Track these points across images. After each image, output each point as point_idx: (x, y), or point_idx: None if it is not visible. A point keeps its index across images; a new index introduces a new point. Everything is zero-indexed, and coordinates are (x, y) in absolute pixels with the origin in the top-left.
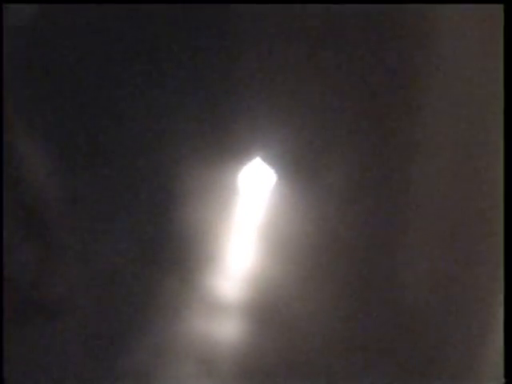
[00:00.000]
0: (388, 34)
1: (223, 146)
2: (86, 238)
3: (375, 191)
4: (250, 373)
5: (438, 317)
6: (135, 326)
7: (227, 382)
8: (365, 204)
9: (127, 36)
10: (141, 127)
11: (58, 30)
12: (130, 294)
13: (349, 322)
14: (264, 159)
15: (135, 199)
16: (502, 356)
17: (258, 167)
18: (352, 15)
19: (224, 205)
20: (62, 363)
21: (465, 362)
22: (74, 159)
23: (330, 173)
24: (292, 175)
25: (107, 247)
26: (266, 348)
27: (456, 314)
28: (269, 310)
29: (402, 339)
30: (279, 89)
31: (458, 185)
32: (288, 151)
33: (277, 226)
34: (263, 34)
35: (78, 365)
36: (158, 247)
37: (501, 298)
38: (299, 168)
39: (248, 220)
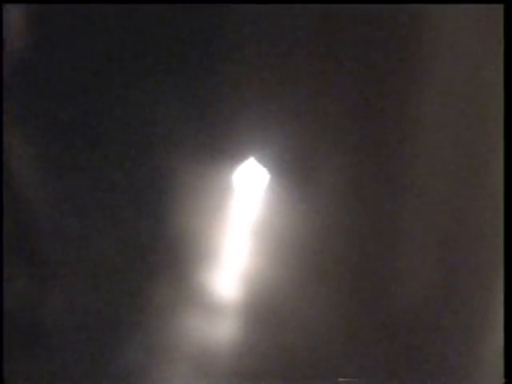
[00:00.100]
0: (387, 34)
1: (217, 145)
2: (77, 237)
3: (370, 191)
4: (246, 372)
5: (437, 317)
6: (129, 327)
7: (223, 382)
8: (359, 203)
9: (125, 36)
10: (135, 128)
11: (58, 29)
12: (124, 295)
13: (345, 320)
14: (258, 159)
15: (127, 199)
16: (502, 356)
17: (251, 167)
18: (349, 15)
19: (218, 204)
20: (59, 362)
21: (464, 363)
22: (65, 158)
23: (323, 172)
24: (286, 175)
25: (99, 247)
26: (262, 347)
27: (455, 314)
28: (263, 309)
29: (398, 339)
30: (273, 89)
31: (457, 186)
32: (282, 151)
33: (271, 226)
34: (258, 35)
35: (73, 365)
36: (151, 247)
37: (500, 298)
38: (293, 168)
39: (242, 219)
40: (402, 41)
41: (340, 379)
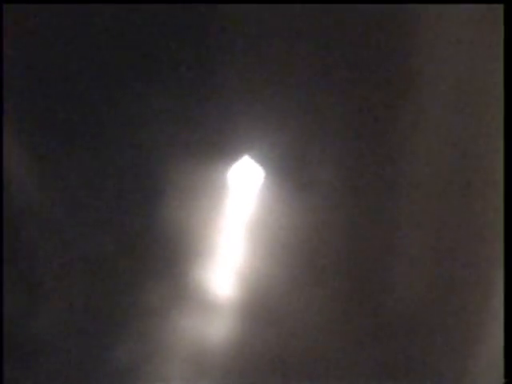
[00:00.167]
0: (386, 34)
1: (212, 144)
2: (69, 235)
3: (366, 189)
4: (240, 371)
5: (435, 318)
6: (123, 327)
7: (218, 381)
8: (355, 202)
9: (123, 36)
10: (129, 126)
11: (57, 29)
12: (117, 294)
13: (341, 320)
14: (253, 157)
15: (121, 198)
16: (502, 356)
17: (246, 165)
18: (349, 15)
19: (213, 203)
20: (53, 362)
21: (463, 364)
22: (62, 155)
23: (318, 171)
24: (281, 173)
25: (92, 246)
26: (256, 346)
27: (453, 314)
28: (259, 308)
29: (395, 339)
30: (269, 88)
31: (455, 185)
32: (277, 149)
33: (266, 224)
34: (254, 35)
35: (67, 365)
36: (145, 246)
37: (499, 299)
38: (288, 166)
39: (237, 218)
40: (402, 41)
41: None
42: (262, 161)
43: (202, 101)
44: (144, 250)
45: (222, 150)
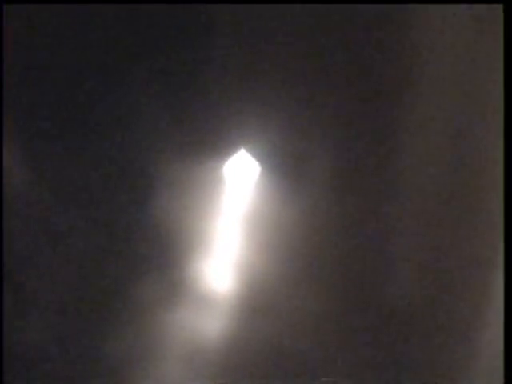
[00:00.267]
0: (386, 34)
1: (208, 139)
2: (64, 230)
3: (361, 184)
4: (235, 365)
5: (429, 315)
6: (120, 321)
7: (213, 374)
8: (349, 196)
9: (120, 35)
10: (128, 123)
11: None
12: (114, 288)
13: (336, 314)
14: (249, 152)
15: (120, 193)
16: (502, 356)
17: (242, 160)
18: (350, 14)
19: (209, 196)
20: (46, 361)
21: (461, 363)
22: (53, 150)
23: (313, 165)
24: (276, 167)
25: (86, 239)
26: (251, 340)
27: (448, 313)
28: (254, 301)
29: (391, 335)
30: (265, 85)
31: (453, 185)
32: (272, 144)
33: (261, 217)
34: (250, 34)
35: (61, 363)
36: (143, 239)
37: (498, 298)
38: (283, 161)
39: (233, 211)
40: (402, 40)
41: (323, 379)
42: (258, 155)
43: (198, 97)
44: (139, 245)
45: (217, 144)
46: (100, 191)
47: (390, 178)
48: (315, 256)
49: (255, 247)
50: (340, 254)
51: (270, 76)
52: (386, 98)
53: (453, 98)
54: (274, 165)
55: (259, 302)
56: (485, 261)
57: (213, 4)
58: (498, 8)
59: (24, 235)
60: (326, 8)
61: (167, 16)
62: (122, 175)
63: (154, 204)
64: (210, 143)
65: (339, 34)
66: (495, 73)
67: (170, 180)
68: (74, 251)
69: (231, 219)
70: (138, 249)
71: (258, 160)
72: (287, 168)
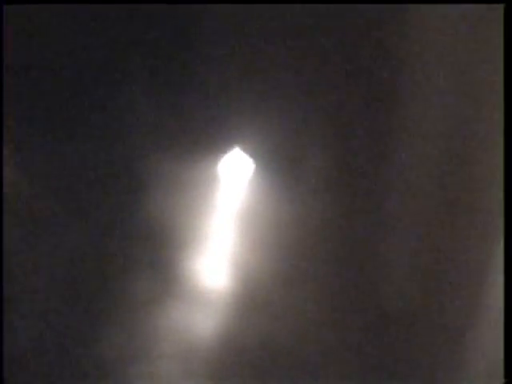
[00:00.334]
0: (385, 34)
1: (203, 137)
2: (56, 228)
3: (355, 182)
4: (231, 362)
5: (425, 314)
6: (115, 316)
7: (206, 371)
8: (343, 194)
9: (118, 35)
10: (124, 121)
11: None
12: (105, 285)
13: (331, 309)
14: (243, 149)
15: (115, 190)
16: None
17: (237, 157)
18: (348, 15)
19: (204, 193)
20: (38, 359)
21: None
22: (45, 147)
23: (307, 163)
24: (270, 165)
25: (79, 235)
26: (247, 335)
27: (444, 310)
28: (248, 299)
29: (387, 334)
30: (259, 83)
31: (449, 180)
32: (266, 142)
33: (256, 215)
34: (245, 33)
35: (52, 362)
36: (137, 237)
37: (496, 298)
38: (277, 158)
39: (227, 208)
40: (401, 40)
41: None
42: (252, 154)
43: (192, 96)
44: (133, 243)
45: (212, 142)
46: (93, 189)
47: (385, 178)
48: (310, 254)
49: (249, 245)
50: (335, 252)
51: (265, 75)
52: (383, 98)
53: (452, 98)
54: (268, 163)
55: (254, 300)
56: (483, 261)
57: (211, 4)
58: (498, 8)
59: (14, 232)
60: (323, 8)
61: (165, 16)
62: (116, 173)
63: (148, 202)
64: (205, 142)
65: (336, 34)
66: (495, 73)
67: (164, 178)
68: (66, 249)
69: (225, 217)
70: (132, 247)
71: (252, 158)
72: (282, 166)
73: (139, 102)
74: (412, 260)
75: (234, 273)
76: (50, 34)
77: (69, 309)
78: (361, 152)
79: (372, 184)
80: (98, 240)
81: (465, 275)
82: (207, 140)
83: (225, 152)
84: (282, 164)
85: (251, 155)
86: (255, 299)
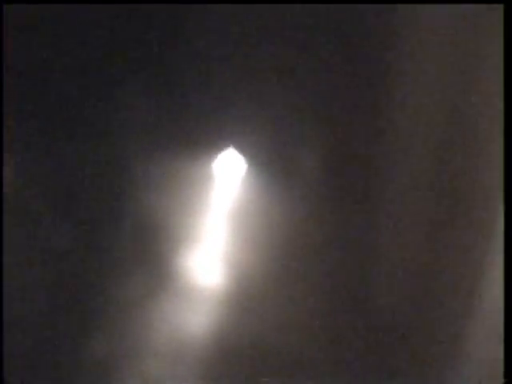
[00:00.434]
0: (386, 34)
1: (197, 135)
2: (48, 226)
3: (348, 181)
4: (222, 361)
5: (417, 315)
6: (107, 314)
7: (203, 371)
8: (336, 191)
9: (117, 33)
10: (120, 119)
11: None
12: (97, 283)
13: (324, 308)
14: (237, 149)
15: (110, 187)
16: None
17: (230, 156)
18: (349, 14)
19: (198, 192)
20: (28, 356)
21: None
22: (39, 144)
23: (300, 162)
24: (264, 164)
25: (73, 233)
26: (240, 334)
27: (437, 313)
28: (241, 296)
29: (379, 334)
30: (253, 83)
31: (447, 180)
32: (260, 141)
33: (249, 213)
34: (240, 32)
35: (43, 359)
36: (130, 234)
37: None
38: (271, 157)
39: (221, 207)
40: (399, 40)
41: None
42: (246, 153)
43: (188, 94)
44: (127, 240)
45: (207, 141)
46: (88, 187)
47: (380, 177)
48: (302, 254)
49: (242, 244)
50: (327, 252)
51: (260, 75)
52: (379, 99)
53: (451, 99)
54: (262, 163)
55: (246, 299)
56: (481, 260)
57: (209, 4)
58: (498, 8)
59: (8, 230)
60: (320, 8)
61: (165, 15)
62: (110, 172)
63: (142, 200)
64: (198, 141)
65: (332, 34)
66: (495, 73)
67: (157, 177)
68: (58, 247)
69: (218, 216)
70: (125, 244)
71: (246, 158)
72: (275, 166)
73: (135, 102)
74: (406, 258)
75: (227, 271)
76: (49, 33)
77: (61, 306)
78: (355, 152)
79: (365, 184)
80: (91, 237)
81: (463, 275)
82: (201, 139)
83: (218, 151)
84: (275, 164)
85: (245, 155)
86: (247, 298)
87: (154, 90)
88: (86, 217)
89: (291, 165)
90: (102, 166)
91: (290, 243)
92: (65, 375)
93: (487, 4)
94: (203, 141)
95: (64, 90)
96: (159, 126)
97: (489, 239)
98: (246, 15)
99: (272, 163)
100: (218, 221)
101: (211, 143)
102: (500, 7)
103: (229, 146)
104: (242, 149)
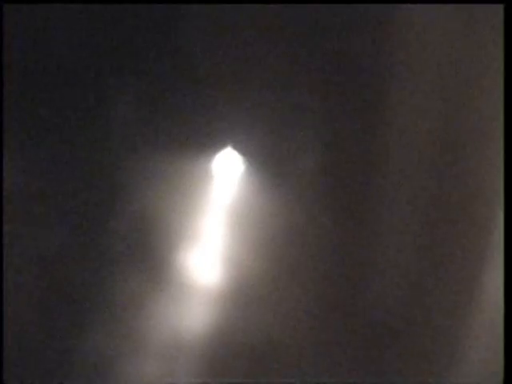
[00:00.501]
0: (386, 34)
1: (196, 135)
2: (49, 223)
3: (345, 179)
4: (219, 359)
5: (411, 314)
6: (105, 312)
7: (201, 369)
8: (334, 191)
9: (116, 33)
10: (119, 118)
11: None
12: (96, 280)
13: (321, 307)
14: (235, 148)
15: (109, 185)
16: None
17: (229, 156)
18: (349, 14)
19: (196, 191)
20: (24, 354)
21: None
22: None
23: (299, 161)
24: (262, 163)
25: (73, 231)
26: (239, 332)
27: (432, 310)
28: (240, 294)
29: (376, 332)
30: (252, 82)
31: (444, 180)
32: (259, 140)
33: (247, 212)
34: (239, 33)
35: (40, 357)
36: (131, 232)
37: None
38: (269, 157)
39: (218, 205)
40: (397, 40)
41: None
42: (245, 153)
43: (186, 95)
44: (126, 238)
45: (206, 140)
46: (87, 187)
47: (377, 177)
48: (301, 252)
49: (239, 242)
50: (324, 250)
51: (258, 76)
52: (378, 100)
53: (450, 99)
54: (260, 162)
55: (244, 297)
56: (480, 259)
57: (206, 4)
58: (498, 8)
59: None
60: (316, 9)
61: (164, 15)
62: (110, 171)
63: (141, 199)
64: (197, 140)
65: (331, 34)
66: (495, 73)
67: (156, 176)
68: (56, 245)
69: (216, 215)
70: (124, 243)
71: (244, 157)
72: (273, 165)
73: (134, 102)
74: (403, 258)
75: (225, 270)
76: (49, 33)
77: (58, 305)
78: (352, 153)
79: (362, 184)
80: (90, 236)
81: (461, 274)
82: (199, 139)
83: (217, 151)
84: (272, 163)
85: (243, 154)
86: (245, 296)
87: (153, 89)
88: (86, 215)
89: (289, 165)
90: (103, 166)
91: (287, 242)
92: (64, 375)
93: (487, 4)
94: (202, 141)
95: (64, 90)
96: (158, 126)
97: (488, 240)
98: (245, 15)
99: (270, 163)
100: (215, 220)
101: (209, 143)
102: (500, 7)
103: (227, 147)
104: (240, 149)
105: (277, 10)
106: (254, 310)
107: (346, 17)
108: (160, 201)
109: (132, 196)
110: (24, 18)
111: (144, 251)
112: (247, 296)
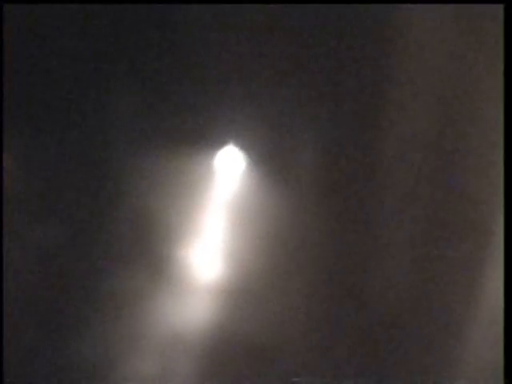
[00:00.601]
0: (386, 34)
1: (198, 132)
2: (49, 221)
3: (347, 176)
4: (219, 356)
5: (419, 310)
6: (106, 309)
7: (202, 366)
8: (335, 188)
9: (116, 33)
10: (120, 116)
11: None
12: (98, 277)
13: (323, 302)
14: (236, 145)
15: (110, 182)
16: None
17: (230, 153)
18: (348, 14)
19: (198, 187)
20: (23, 353)
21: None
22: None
23: (299, 159)
24: (263, 161)
25: (73, 227)
26: (240, 328)
27: (437, 308)
28: (240, 291)
29: (376, 331)
30: (253, 81)
31: (444, 177)
32: (260, 138)
33: (248, 208)
34: (241, 32)
35: (39, 356)
36: (131, 228)
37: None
38: (270, 154)
39: (220, 201)
40: (401, 40)
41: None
42: (245, 149)
43: (188, 93)
44: (128, 233)
45: (207, 138)
46: (86, 182)
47: (377, 173)
48: (302, 247)
49: (242, 239)
50: (327, 245)
51: (260, 73)
52: (380, 101)
53: (450, 99)
54: (261, 159)
55: (246, 293)
56: (480, 259)
57: (207, 4)
58: (498, 8)
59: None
60: (317, 8)
61: (164, 15)
62: (111, 168)
63: (143, 196)
64: (199, 137)
65: (333, 34)
66: (495, 73)
67: (159, 173)
68: (56, 243)
69: (218, 211)
70: (126, 238)
71: (245, 153)
72: (274, 162)
73: (134, 101)
74: (404, 254)
75: (226, 265)
76: (49, 33)
77: (58, 301)
78: (352, 149)
79: (365, 179)
80: (91, 232)
81: (462, 275)
82: (201, 136)
83: (218, 148)
84: (273, 160)
85: (244, 151)
86: (246, 292)
87: (153, 89)
88: (86, 214)
89: (289, 162)
90: (106, 163)
91: (288, 238)
92: (63, 374)
93: (487, 4)
94: (203, 138)
95: (63, 90)
96: (160, 124)
97: (488, 241)
98: (245, 15)
99: (271, 160)
100: (217, 216)
101: (211, 141)
102: (500, 7)
103: (228, 144)
104: (241, 146)
105: (277, 10)
106: (255, 306)
107: (353, 17)
108: (162, 198)
109: (134, 193)
110: (24, 18)
111: (145, 248)
112: (248, 292)
